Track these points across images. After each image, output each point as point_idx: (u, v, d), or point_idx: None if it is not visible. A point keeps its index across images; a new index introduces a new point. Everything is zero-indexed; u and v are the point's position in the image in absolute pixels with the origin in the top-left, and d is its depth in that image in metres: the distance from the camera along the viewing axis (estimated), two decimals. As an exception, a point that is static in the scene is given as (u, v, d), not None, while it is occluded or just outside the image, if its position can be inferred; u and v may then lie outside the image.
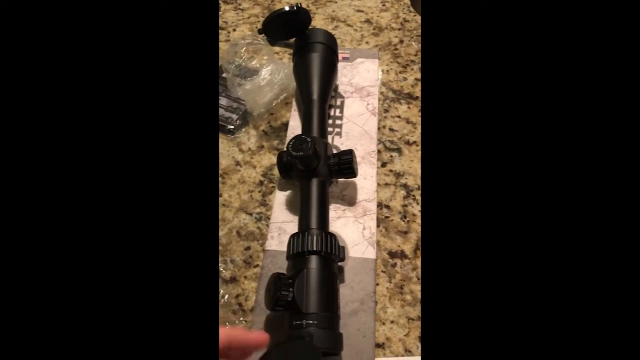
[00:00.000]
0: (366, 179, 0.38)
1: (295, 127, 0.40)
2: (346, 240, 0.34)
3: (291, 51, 0.56)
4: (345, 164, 0.33)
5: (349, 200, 0.37)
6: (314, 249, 0.29)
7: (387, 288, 0.42)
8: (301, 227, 0.32)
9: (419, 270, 0.43)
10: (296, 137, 0.32)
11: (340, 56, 0.46)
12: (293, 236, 0.30)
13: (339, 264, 0.32)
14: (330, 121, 0.41)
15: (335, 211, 0.36)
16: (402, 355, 0.38)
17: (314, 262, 0.29)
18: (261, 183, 0.46)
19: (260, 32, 0.45)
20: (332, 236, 0.30)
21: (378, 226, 0.45)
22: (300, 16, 0.39)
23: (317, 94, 0.37)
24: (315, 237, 0.29)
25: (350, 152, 0.33)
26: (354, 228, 0.35)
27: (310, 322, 0.26)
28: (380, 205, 0.46)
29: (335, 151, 0.40)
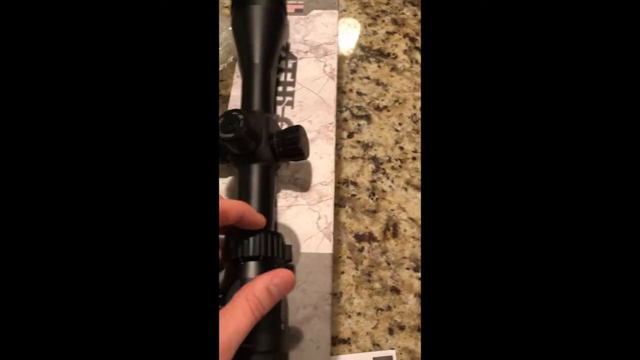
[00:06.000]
0: (322, 158, 0.32)
1: (237, 97, 0.33)
2: (298, 233, 0.29)
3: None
4: (290, 144, 0.27)
5: (302, 184, 0.31)
6: (250, 254, 0.24)
7: (353, 276, 0.38)
8: None
9: (389, 253, 0.38)
10: (225, 114, 0.26)
11: (292, 7, 0.38)
12: (227, 237, 0.25)
13: (288, 264, 0.27)
14: (280, 88, 0.35)
15: (286, 198, 0.31)
16: (370, 350, 0.35)
17: (251, 270, 0.24)
18: (209, 162, 0.40)
19: None
20: (275, 236, 0.25)
21: (343, 206, 0.40)
22: None
23: (259, 56, 0.31)
24: (252, 240, 0.24)
25: (296, 130, 0.27)
26: (307, 218, 0.30)
27: (246, 345, 0.21)
28: (346, 182, 0.41)
29: (287, 126, 0.34)
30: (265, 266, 0.24)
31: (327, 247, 0.29)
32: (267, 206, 0.26)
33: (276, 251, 0.25)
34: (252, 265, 0.24)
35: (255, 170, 0.27)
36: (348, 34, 0.49)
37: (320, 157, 0.32)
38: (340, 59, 0.47)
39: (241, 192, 0.27)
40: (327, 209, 0.30)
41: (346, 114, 0.44)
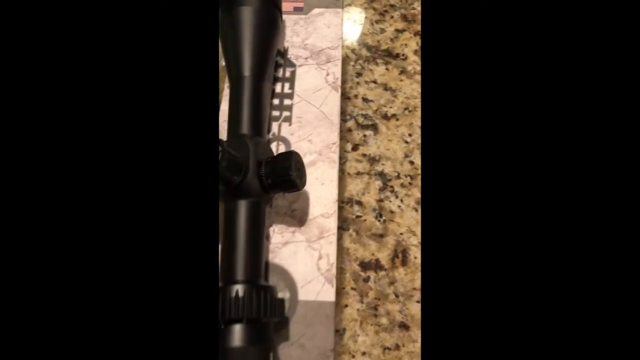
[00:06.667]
0: (324, 185, 0.28)
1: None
2: (295, 277, 0.25)
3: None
4: (281, 175, 0.23)
5: (301, 216, 0.27)
6: (232, 316, 0.20)
7: (357, 310, 0.34)
8: (223, 276, 0.22)
9: (398, 284, 0.34)
10: None
11: (290, 6, 0.33)
12: None
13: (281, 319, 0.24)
14: (276, 101, 0.30)
15: (281, 234, 0.27)
16: (376, 396, 0.31)
17: (235, 337, 0.20)
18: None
19: None
20: (263, 290, 0.21)
21: (347, 229, 0.36)
22: None
23: (249, 68, 0.26)
24: (234, 298, 0.20)
25: (288, 157, 0.23)
26: (306, 258, 0.26)
27: None
28: (350, 201, 0.37)
29: (284, 148, 0.29)
30: (252, 329, 0.20)
31: (329, 294, 0.25)
32: (255, 253, 0.22)
33: (264, 310, 0.21)
34: (236, 330, 0.20)
35: (242, 208, 0.23)
36: (353, 32, 0.45)
37: (322, 184, 0.28)
38: (344, 60, 0.42)
39: (225, 234, 0.23)
40: (329, 247, 0.26)
41: (350, 123, 0.40)
